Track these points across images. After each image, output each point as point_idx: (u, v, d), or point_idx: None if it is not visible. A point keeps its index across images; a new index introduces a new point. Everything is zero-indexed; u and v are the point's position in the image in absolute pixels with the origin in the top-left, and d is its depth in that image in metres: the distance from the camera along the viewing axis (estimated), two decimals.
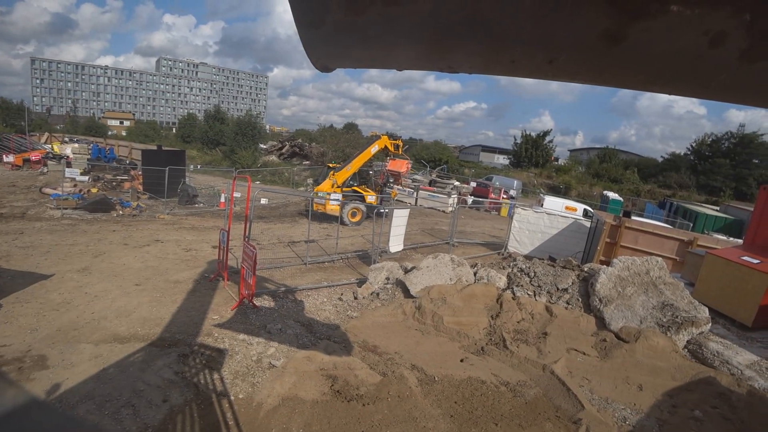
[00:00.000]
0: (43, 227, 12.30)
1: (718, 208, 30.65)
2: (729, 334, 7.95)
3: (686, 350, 7.43)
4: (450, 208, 23.19)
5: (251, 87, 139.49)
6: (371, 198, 17.93)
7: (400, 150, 20.50)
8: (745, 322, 8.11)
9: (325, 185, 17.58)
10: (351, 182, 18.12)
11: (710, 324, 7.75)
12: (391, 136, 21.04)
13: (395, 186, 21.99)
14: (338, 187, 17.25)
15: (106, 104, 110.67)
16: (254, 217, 14.71)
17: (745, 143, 45.64)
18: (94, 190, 17.73)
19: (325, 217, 17.17)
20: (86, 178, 20.38)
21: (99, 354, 5.75)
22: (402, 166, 20.48)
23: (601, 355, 7.11)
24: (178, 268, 9.82)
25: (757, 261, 8.24)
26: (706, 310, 7.89)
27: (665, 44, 0.59)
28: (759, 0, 0.51)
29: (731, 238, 18.22)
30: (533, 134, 56.06)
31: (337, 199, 16.83)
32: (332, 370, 5.66)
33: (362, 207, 17.60)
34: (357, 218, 17.50)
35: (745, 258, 8.46)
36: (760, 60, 0.55)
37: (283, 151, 41.23)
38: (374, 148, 19.12)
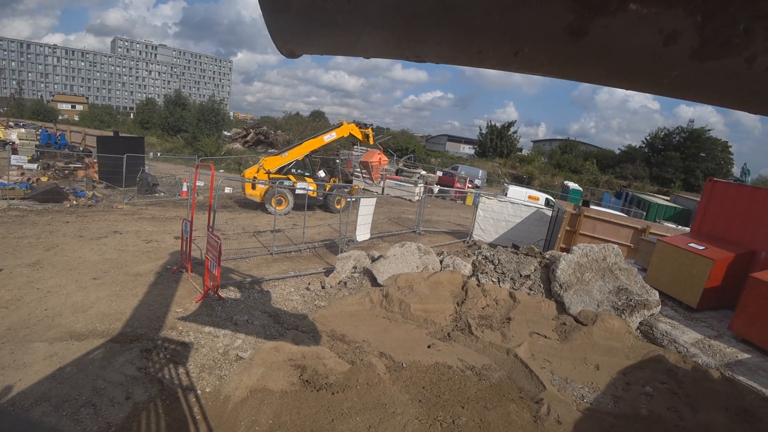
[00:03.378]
0: None
1: (668, 198, 32.48)
2: (676, 315, 8.51)
3: (639, 331, 7.90)
4: (416, 197, 23.37)
5: (214, 72, 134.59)
6: (303, 189, 16.21)
7: (371, 139, 18.02)
8: (691, 303, 8.69)
9: (250, 171, 16.45)
10: (297, 170, 16.77)
11: (660, 306, 8.26)
12: (362, 125, 18.20)
13: (371, 181, 19.59)
14: (267, 173, 15.77)
15: (56, 86, 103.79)
16: (218, 206, 14.33)
17: (694, 138, 48.52)
18: (44, 179, 16.65)
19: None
20: (35, 165, 19.14)
21: (54, 353, 5.47)
22: (373, 157, 18.02)
23: (561, 337, 7.44)
24: (138, 260, 9.43)
25: (703, 247, 8.83)
26: (657, 293, 8.40)
27: (623, 41, 0.62)
28: (710, 2, 0.54)
29: (680, 227, 19.38)
30: (498, 125, 57.25)
31: (304, 188, 16.35)
32: (301, 360, 5.64)
33: (288, 195, 16.28)
34: (282, 206, 16.07)
35: (691, 245, 9.03)
36: (709, 59, 0.58)
37: (248, 138, 40.16)
38: (329, 136, 17.11)
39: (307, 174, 17.32)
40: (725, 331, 7.81)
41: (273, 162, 16.24)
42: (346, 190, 18.47)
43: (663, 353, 7.01)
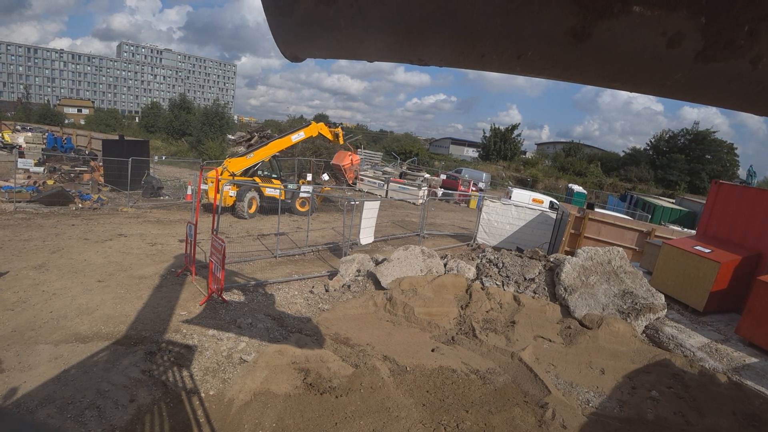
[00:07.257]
0: None
1: (673, 201, 32.26)
2: (683, 318, 8.43)
3: (644, 335, 7.83)
4: (420, 200, 23.30)
5: (218, 75, 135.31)
6: (273, 191, 15.88)
7: (341, 139, 17.61)
8: (697, 307, 8.60)
9: (214, 173, 15.29)
10: (263, 172, 16.30)
11: (666, 310, 8.20)
12: (332, 124, 17.67)
13: (348, 183, 18.92)
14: (231, 175, 14.83)
15: (62, 91, 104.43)
16: (222, 209, 14.33)
17: (699, 140, 48.17)
18: (50, 182, 16.81)
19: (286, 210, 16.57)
20: (41, 169, 19.35)
21: (59, 355, 5.50)
22: (344, 159, 17.57)
23: (566, 341, 7.39)
24: (143, 263, 9.48)
25: (709, 250, 8.75)
26: (663, 296, 8.33)
27: (627, 43, 0.62)
28: (714, 4, 0.53)
29: (685, 229, 19.24)
30: (502, 128, 56.94)
31: (308, 191, 16.21)
32: (304, 364, 5.64)
33: (257, 198, 15.82)
34: (251, 210, 15.71)
35: (697, 247, 8.96)
36: (712, 61, 0.58)
37: (252, 142, 40.21)
38: (297, 136, 16.51)
39: (274, 176, 16.74)
40: (732, 334, 7.73)
41: (237, 164, 15.30)
42: (315, 192, 17.72)
43: (669, 357, 6.94)
